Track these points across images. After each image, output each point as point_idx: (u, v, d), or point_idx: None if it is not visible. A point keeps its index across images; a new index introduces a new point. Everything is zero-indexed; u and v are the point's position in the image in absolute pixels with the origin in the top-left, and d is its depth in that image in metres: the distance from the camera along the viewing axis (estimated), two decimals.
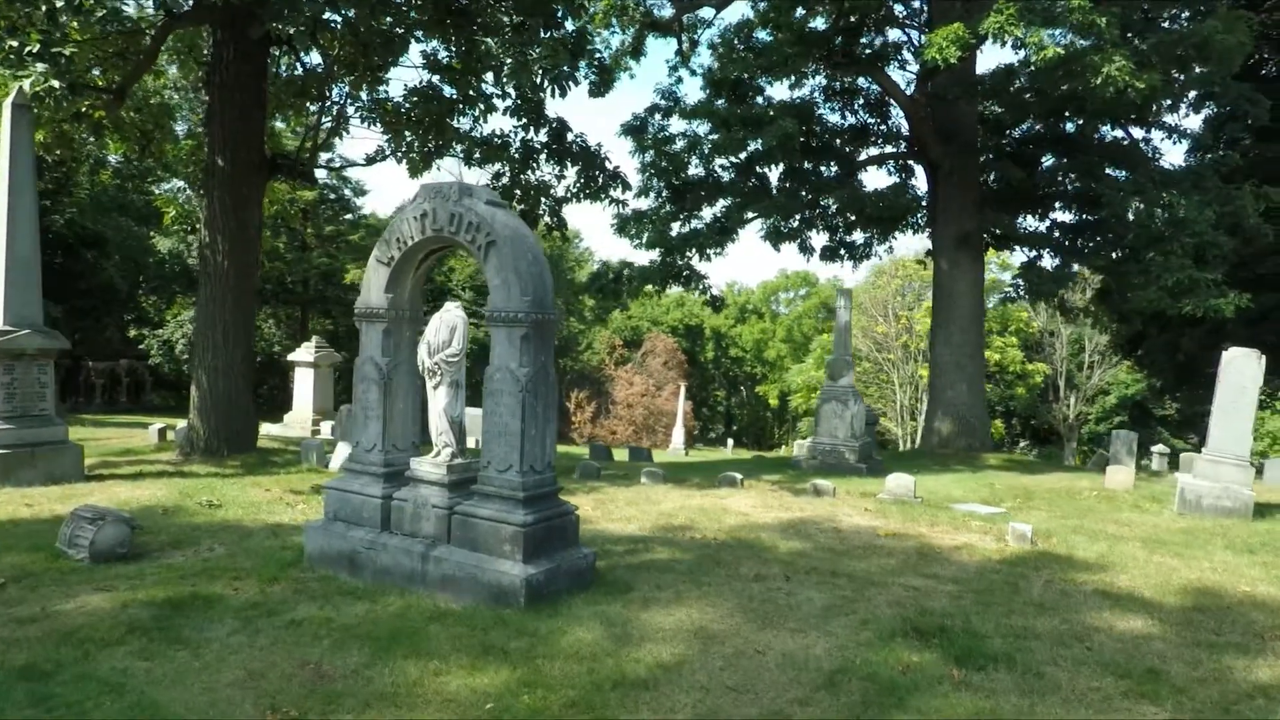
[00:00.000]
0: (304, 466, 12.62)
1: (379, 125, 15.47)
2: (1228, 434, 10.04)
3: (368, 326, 6.57)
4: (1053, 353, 40.00)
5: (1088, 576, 6.74)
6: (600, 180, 15.95)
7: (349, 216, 32.49)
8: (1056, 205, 18.18)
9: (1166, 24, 14.26)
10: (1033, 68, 11.74)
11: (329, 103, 14.15)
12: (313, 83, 13.71)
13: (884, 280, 45.23)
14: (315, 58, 13.92)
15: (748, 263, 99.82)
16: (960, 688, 4.38)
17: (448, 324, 6.33)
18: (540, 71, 14.36)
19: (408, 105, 15.18)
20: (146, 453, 13.71)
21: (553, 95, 13.83)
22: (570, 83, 13.81)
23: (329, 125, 14.39)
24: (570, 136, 15.32)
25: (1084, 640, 5.20)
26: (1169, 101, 16.94)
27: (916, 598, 6.03)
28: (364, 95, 15.10)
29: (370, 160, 15.08)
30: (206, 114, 13.68)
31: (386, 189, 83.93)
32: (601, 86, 14.43)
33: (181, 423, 16.76)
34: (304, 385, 20.23)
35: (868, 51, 17.70)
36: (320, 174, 24.70)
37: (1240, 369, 9.98)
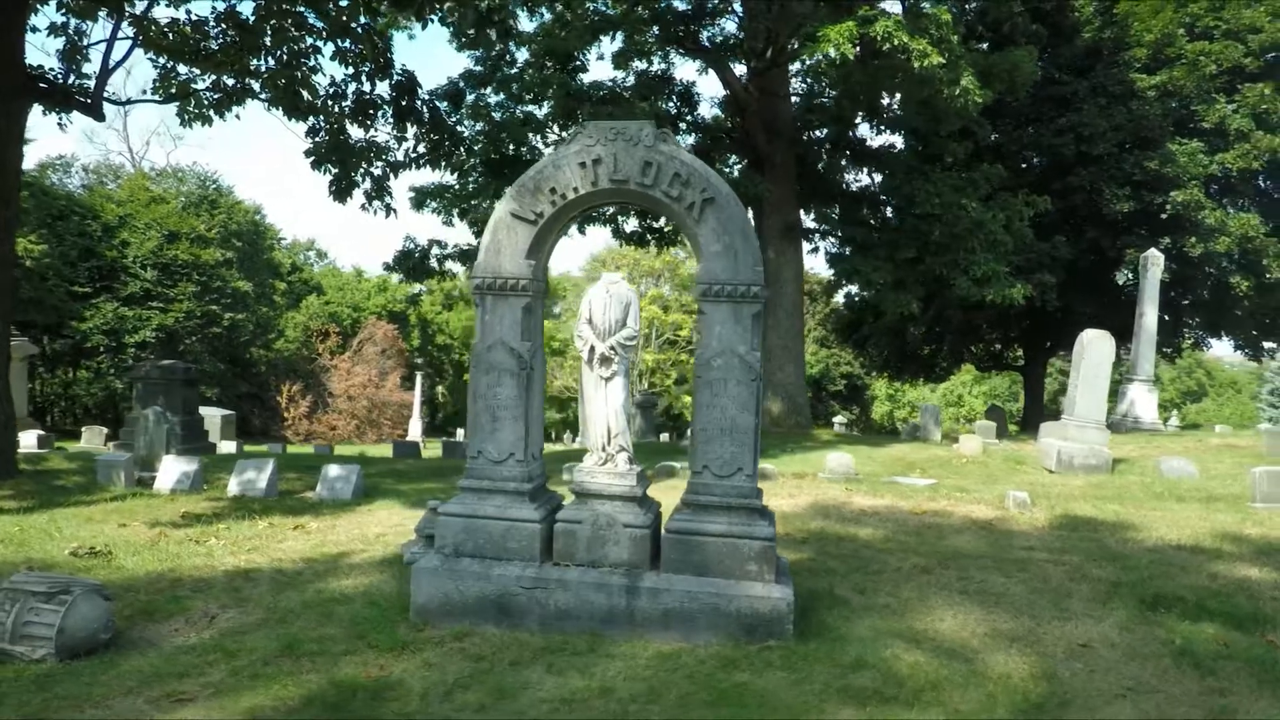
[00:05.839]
0: (115, 490, 9.68)
1: (162, 55, 12.20)
2: (1089, 403, 11.77)
3: (497, 302, 5.07)
4: None
5: (1135, 534, 7.40)
6: (446, 146, 14.25)
7: None
8: (864, 205, 20.01)
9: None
10: (914, 70, 12.72)
11: (123, 17, 10.73)
12: None
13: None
14: None
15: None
16: None
17: (619, 299, 5.12)
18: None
19: (199, 35, 12.21)
20: None
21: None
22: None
23: (129, 45, 10.96)
24: (421, 94, 13.44)
25: (1268, 593, 5.67)
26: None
27: (1078, 570, 6.15)
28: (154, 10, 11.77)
29: (169, 97, 11.84)
30: None
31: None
32: (475, 39, 12.83)
33: None
34: None
35: (713, 41, 17.90)
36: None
37: (1099, 348, 11.74)
